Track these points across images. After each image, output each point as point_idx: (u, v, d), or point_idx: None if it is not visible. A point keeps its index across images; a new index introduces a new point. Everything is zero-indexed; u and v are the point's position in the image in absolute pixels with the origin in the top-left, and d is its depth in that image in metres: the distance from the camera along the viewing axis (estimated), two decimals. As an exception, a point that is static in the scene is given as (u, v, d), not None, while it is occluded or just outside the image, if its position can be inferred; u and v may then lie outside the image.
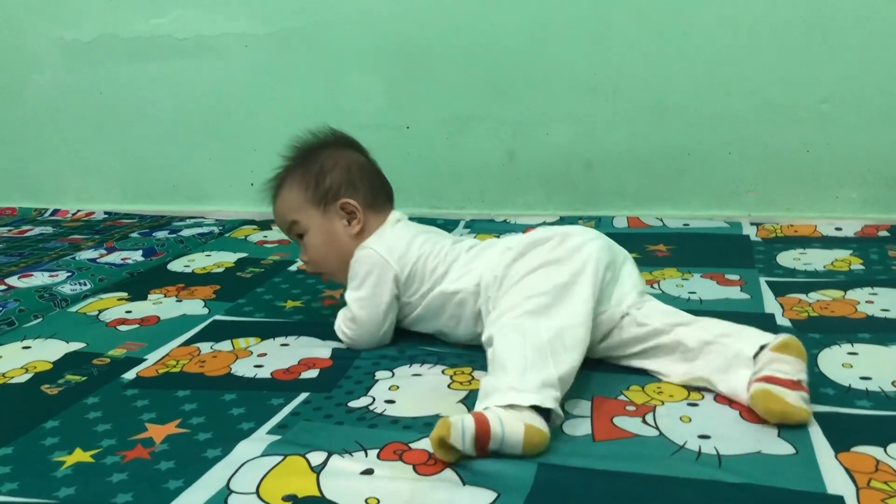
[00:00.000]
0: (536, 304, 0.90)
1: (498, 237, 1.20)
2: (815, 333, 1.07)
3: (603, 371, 0.98)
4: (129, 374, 1.03)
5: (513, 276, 0.96)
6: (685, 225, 1.74)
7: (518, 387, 0.81)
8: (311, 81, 1.96)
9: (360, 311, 1.07)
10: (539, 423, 0.79)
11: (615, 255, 1.01)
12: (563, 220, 1.80)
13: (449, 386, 0.96)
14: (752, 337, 0.89)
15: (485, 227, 1.78)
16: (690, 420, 0.84)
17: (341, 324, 1.09)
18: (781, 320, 1.13)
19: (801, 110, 1.71)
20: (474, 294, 1.03)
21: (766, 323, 1.12)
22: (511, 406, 0.79)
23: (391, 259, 1.07)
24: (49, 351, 1.13)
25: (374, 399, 0.93)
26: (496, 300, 0.97)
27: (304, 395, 0.94)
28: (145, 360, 1.08)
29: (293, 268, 1.51)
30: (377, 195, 1.14)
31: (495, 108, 1.87)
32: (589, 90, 1.81)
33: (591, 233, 1.01)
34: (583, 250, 0.96)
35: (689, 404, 0.88)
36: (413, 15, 1.87)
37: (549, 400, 0.81)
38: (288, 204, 1.12)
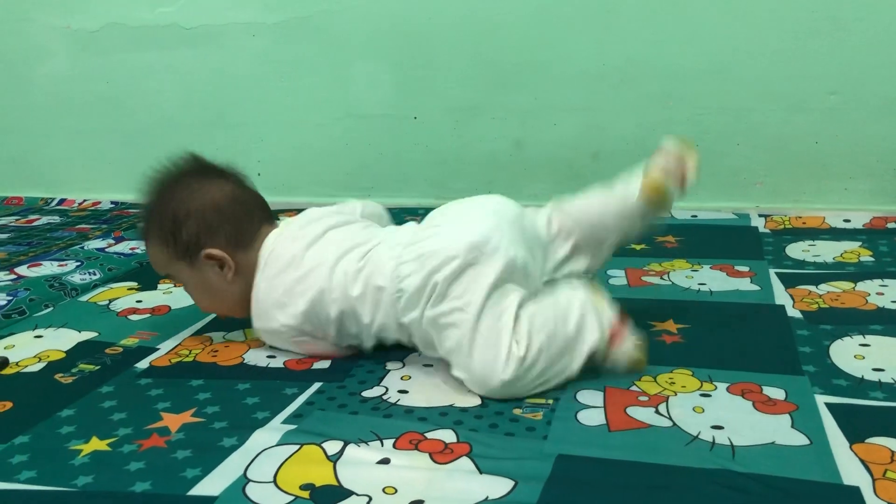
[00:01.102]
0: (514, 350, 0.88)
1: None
2: (827, 325, 1.07)
3: (615, 361, 0.98)
4: (143, 364, 1.03)
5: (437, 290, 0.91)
6: (693, 216, 1.73)
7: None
8: (318, 71, 1.96)
9: (316, 350, 1.03)
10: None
11: (522, 231, 1.01)
12: (570, 211, 1.80)
13: (461, 376, 0.96)
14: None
15: None
16: (703, 410, 0.85)
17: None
18: (792, 311, 1.13)
19: (810, 101, 1.71)
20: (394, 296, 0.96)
21: (776, 314, 1.13)
22: None
23: (286, 333, 1.00)
24: (61, 340, 1.13)
25: (387, 389, 0.93)
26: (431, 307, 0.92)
27: (317, 385, 0.95)
28: (157, 349, 1.08)
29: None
30: (242, 229, 1.02)
31: (502, 97, 1.87)
32: (596, 79, 1.80)
33: (486, 221, 0.99)
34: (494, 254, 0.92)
35: (702, 395, 0.89)
36: (420, 4, 1.86)
37: None
38: (156, 260, 1.05)
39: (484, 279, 0.90)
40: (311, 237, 1.02)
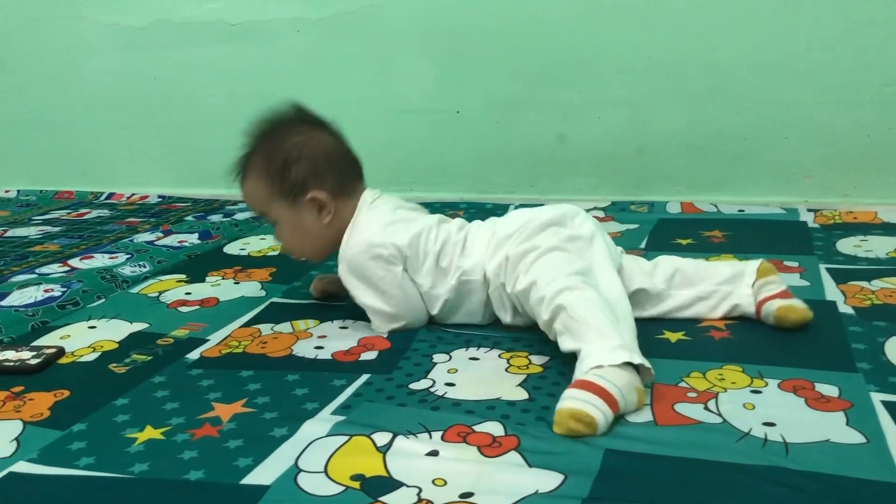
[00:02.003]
0: (574, 282, 0.94)
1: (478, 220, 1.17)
2: (881, 321, 1.05)
3: (660, 358, 0.97)
4: (193, 355, 1.05)
5: (526, 262, 1.00)
6: (740, 211, 1.71)
7: (625, 345, 0.85)
8: (361, 66, 1.97)
9: (394, 308, 1.07)
10: (639, 381, 0.84)
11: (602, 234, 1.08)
12: (614, 206, 1.79)
13: (506, 370, 0.96)
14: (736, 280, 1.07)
15: None
16: (754, 407, 0.84)
17: (383, 325, 1.09)
18: (844, 308, 1.11)
19: (862, 93, 1.67)
20: (483, 283, 1.06)
21: (827, 310, 1.11)
22: (624, 364, 0.83)
23: (387, 251, 1.06)
24: (114, 331, 1.16)
25: (434, 382, 0.94)
26: (512, 283, 1.01)
27: (365, 377, 0.96)
28: (208, 340, 1.10)
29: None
30: (346, 180, 1.11)
31: (545, 91, 1.86)
32: (642, 73, 1.78)
33: (581, 213, 1.09)
34: (586, 236, 1.05)
35: (753, 391, 0.87)
36: (463, -2, 1.87)
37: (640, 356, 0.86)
38: (255, 197, 1.11)
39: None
40: (400, 206, 1.14)
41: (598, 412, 0.79)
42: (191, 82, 2.12)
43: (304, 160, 1.07)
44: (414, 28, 1.91)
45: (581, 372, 0.84)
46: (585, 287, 0.93)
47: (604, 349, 0.84)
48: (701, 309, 1.08)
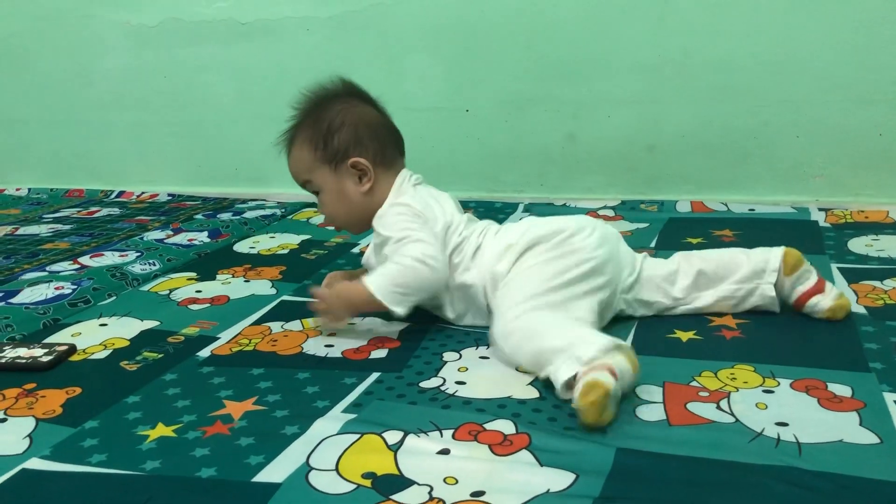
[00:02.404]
0: (550, 301, 0.98)
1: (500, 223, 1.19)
2: (894, 321, 1.04)
3: (671, 357, 0.97)
4: (204, 352, 1.05)
5: (516, 271, 1.04)
6: (750, 210, 1.70)
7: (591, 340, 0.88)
8: (371, 64, 1.97)
9: (429, 248, 1.05)
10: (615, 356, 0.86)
11: (612, 246, 1.07)
12: (624, 205, 1.79)
13: (517, 368, 0.96)
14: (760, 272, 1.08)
15: (544, 211, 1.76)
16: (766, 407, 0.83)
17: (422, 256, 1.04)
18: (857, 307, 1.10)
19: (874, 92, 1.66)
20: (483, 289, 1.07)
21: (840, 310, 1.10)
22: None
23: (421, 212, 1.10)
24: (125, 328, 1.16)
25: (444, 380, 0.94)
26: (502, 296, 1.02)
27: (375, 375, 0.96)
28: (218, 338, 1.10)
29: (356, 250, 1.53)
30: (386, 151, 1.14)
31: (556, 89, 1.86)
32: (652, 71, 1.78)
33: (587, 228, 1.06)
34: (583, 250, 1.03)
35: (765, 391, 0.87)
36: (473, -4, 1.87)
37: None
38: (300, 163, 1.14)
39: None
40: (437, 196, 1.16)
41: (599, 376, 0.80)
42: (201, 80, 2.13)
43: (346, 127, 1.12)
44: (423, 26, 1.91)
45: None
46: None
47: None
48: (723, 307, 1.09)
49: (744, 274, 1.07)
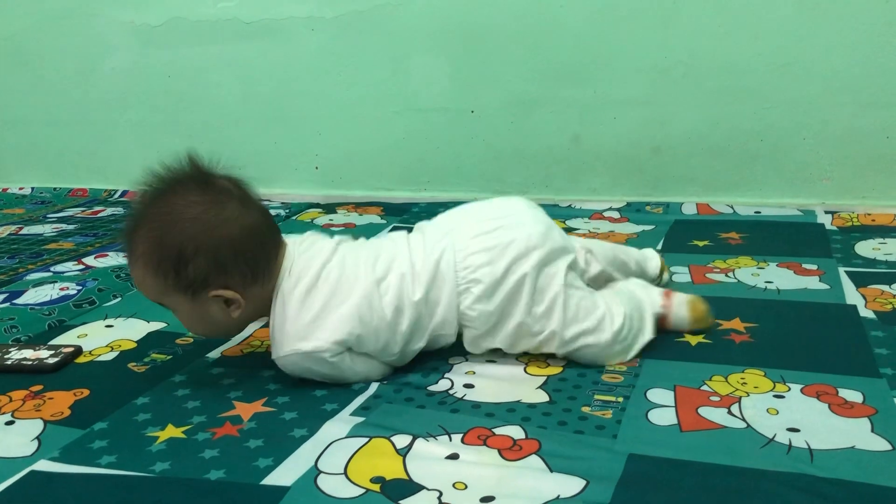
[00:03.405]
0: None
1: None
2: (903, 326, 1.04)
3: (682, 360, 0.97)
4: (214, 353, 1.05)
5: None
6: (756, 212, 1.70)
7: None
8: (376, 65, 1.97)
9: (357, 379, 0.94)
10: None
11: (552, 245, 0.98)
12: (629, 206, 1.78)
13: (525, 371, 0.96)
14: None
15: (548, 212, 1.73)
16: (777, 412, 0.83)
17: None
18: (864, 311, 1.10)
19: (881, 95, 1.65)
20: (454, 335, 0.98)
21: (848, 314, 1.10)
22: None
23: (328, 353, 0.90)
24: (131, 330, 1.16)
25: (452, 383, 0.94)
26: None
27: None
28: (228, 339, 1.10)
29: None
30: (258, 266, 0.91)
31: (561, 91, 1.85)
32: (658, 73, 1.77)
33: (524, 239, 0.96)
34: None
35: (776, 396, 0.87)
36: (478, -3, 1.86)
37: None
38: (146, 288, 0.92)
39: (562, 264, 0.97)
40: (327, 252, 0.95)
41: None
42: (205, 80, 2.12)
43: (202, 255, 0.87)
44: (429, 26, 1.91)
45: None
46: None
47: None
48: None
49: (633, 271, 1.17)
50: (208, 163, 0.93)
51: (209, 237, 0.88)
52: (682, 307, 1.04)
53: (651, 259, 1.22)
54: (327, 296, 0.91)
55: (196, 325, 0.95)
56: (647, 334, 1.00)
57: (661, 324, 1.03)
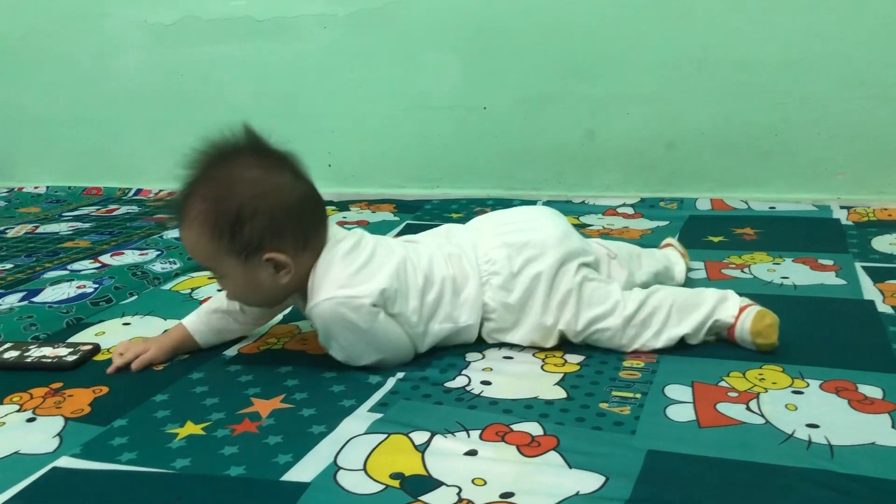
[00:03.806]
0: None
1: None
2: (922, 321, 1.03)
3: (700, 356, 0.96)
4: (231, 351, 1.06)
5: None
6: (771, 208, 1.69)
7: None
8: (388, 62, 1.97)
9: (379, 356, 0.96)
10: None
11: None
12: (643, 202, 1.78)
13: (542, 368, 0.96)
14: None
15: (562, 209, 1.72)
16: (796, 408, 0.83)
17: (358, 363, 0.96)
18: (882, 307, 1.10)
19: (896, 89, 1.65)
20: (476, 326, 1.01)
21: (866, 310, 1.09)
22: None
23: (366, 299, 0.92)
24: (148, 328, 1.16)
25: (469, 380, 0.94)
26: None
27: (400, 374, 0.95)
28: (246, 337, 1.10)
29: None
30: (309, 232, 0.94)
31: (574, 87, 1.85)
32: (672, 68, 1.77)
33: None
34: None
35: (794, 392, 0.86)
36: (490, -7, 1.86)
37: None
38: (199, 251, 0.94)
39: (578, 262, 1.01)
40: (365, 231, 1.02)
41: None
42: (218, 78, 2.13)
43: (259, 216, 0.90)
44: (441, 24, 1.91)
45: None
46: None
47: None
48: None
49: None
50: (262, 134, 0.96)
51: (266, 200, 0.91)
52: (748, 318, 0.97)
53: (677, 264, 1.22)
54: (369, 255, 0.96)
55: (243, 291, 0.97)
56: (683, 328, 0.98)
57: (730, 334, 0.99)
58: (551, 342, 1.00)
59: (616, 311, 0.98)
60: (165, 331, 1.07)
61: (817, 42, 1.67)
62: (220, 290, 1.03)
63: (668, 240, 1.30)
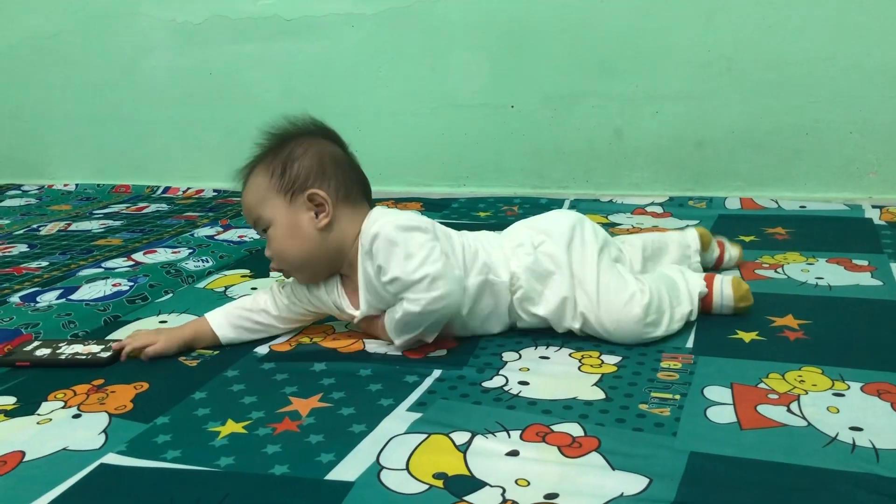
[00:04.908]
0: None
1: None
2: (962, 324, 1.02)
3: (737, 357, 0.96)
4: (262, 349, 1.06)
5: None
6: (801, 207, 1.68)
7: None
8: (415, 61, 1.97)
9: (432, 266, 0.96)
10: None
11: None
12: (672, 201, 1.77)
13: (580, 369, 0.96)
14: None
15: (590, 207, 1.76)
16: (838, 411, 0.82)
17: (427, 297, 0.96)
18: (921, 309, 1.09)
19: (931, 87, 1.63)
20: (507, 286, 1.05)
21: (904, 311, 1.09)
22: None
23: (423, 223, 1.00)
24: (184, 325, 1.17)
25: (507, 380, 0.94)
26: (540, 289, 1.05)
27: (437, 373, 0.96)
28: (277, 336, 1.11)
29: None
30: (351, 189, 1.03)
31: (602, 85, 1.84)
32: (701, 66, 1.76)
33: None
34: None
35: (835, 394, 0.86)
36: (518, -8, 1.86)
37: None
38: (252, 193, 1.03)
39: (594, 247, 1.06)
40: None
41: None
42: (246, 77, 2.15)
43: (308, 157, 1.02)
44: (468, 22, 1.91)
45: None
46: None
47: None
48: None
49: (674, 256, 1.20)
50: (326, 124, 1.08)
51: (317, 147, 1.03)
52: (726, 285, 1.09)
53: (687, 232, 1.25)
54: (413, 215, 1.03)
55: (284, 235, 1.02)
56: (686, 304, 1.05)
57: (707, 305, 1.08)
58: (577, 323, 1.03)
59: (635, 301, 1.01)
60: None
61: (849, 39, 1.65)
62: (253, 292, 1.05)
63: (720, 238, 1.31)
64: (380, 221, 0.98)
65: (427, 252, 0.97)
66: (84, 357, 1.04)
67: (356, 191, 1.04)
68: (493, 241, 1.09)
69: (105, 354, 1.04)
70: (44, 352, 1.06)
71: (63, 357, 1.04)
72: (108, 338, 1.14)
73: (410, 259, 0.96)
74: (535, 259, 1.04)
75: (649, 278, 1.06)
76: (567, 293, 1.03)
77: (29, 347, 1.07)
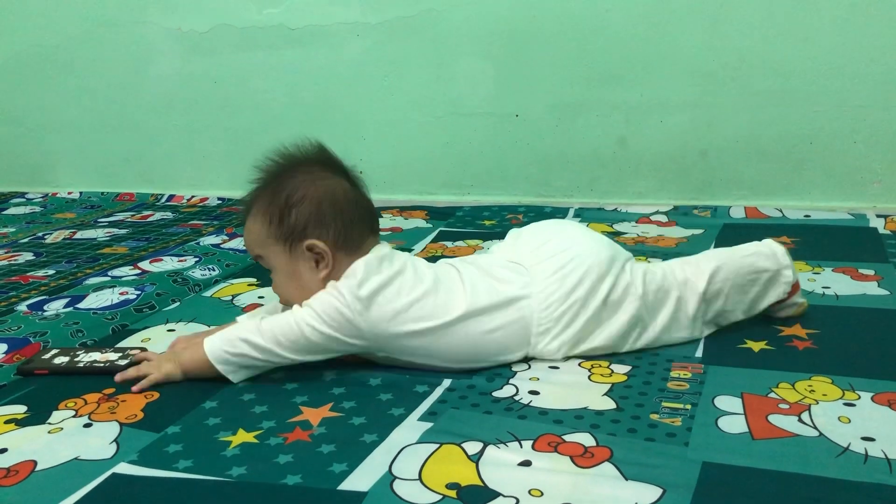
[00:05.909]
0: None
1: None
2: (971, 333, 1.02)
3: (747, 367, 0.96)
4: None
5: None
6: (806, 216, 1.68)
7: None
8: (420, 69, 1.98)
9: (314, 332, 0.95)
10: None
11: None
12: (676, 210, 1.77)
13: (589, 378, 0.96)
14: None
15: (594, 216, 1.76)
16: (850, 421, 0.82)
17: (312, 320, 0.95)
18: (929, 318, 1.09)
19: (936, 96, 1.64)
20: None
21: (912, 321, 1.09)
22: None
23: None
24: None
25: (517, 389, 0.94)
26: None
27: (447, 382, 0.96)
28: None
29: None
30: (351, 232, 0.99)
31: (607, 94, 1.85)
32: (706, 75, 1.77)
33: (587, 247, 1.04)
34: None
35: (846, 404, 0.86)
36: (523, 1, 1.86)
37: None
38: (252, 235, 1.02)
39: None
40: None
41: None
42: (251, 86, 2.15)
43: (306, 203, 0.98)
44: (473, 31, 1.92)
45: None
46: None
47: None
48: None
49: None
50: (333, 152, 1.05)
51: (316, 190, 0.99)
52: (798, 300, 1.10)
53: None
54: (391, 273, 0.99)
55: (284, 281, 1.02)
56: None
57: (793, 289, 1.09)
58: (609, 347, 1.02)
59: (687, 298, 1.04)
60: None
61: (854, 49, 1.66)
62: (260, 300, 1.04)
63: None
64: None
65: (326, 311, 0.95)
66: (102, 365, 1.04)
67: (357, 232, 1.00)
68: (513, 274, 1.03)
69: (123, 363, 1.04)
70: (62, 359, 1.06)
71: (81, 365, 1.04)
72: (120, 346, 1.14)
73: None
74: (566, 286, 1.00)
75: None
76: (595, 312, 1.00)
77: (47, 356, 1.07)
